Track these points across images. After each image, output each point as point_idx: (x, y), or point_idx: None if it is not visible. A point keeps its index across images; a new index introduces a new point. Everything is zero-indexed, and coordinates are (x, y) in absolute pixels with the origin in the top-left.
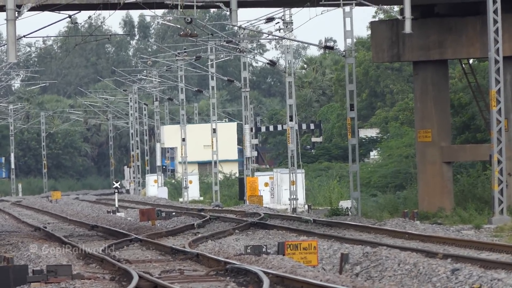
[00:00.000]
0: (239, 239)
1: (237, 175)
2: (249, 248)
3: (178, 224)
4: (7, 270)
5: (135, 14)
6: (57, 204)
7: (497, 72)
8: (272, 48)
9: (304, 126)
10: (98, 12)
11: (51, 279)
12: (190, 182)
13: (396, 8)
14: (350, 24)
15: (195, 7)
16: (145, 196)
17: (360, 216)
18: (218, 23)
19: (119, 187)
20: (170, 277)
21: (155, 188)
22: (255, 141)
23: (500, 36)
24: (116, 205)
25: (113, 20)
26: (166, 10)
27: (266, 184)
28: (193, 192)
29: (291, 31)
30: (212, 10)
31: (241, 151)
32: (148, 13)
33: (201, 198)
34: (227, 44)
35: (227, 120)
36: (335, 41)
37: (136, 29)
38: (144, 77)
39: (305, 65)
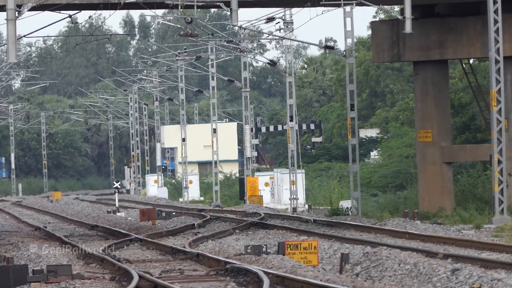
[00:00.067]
0: (239, 239)
1: (237, 175)
2: (249, 248)
3: (178, 224)
4: (7, 270)
5: (135, 14)
6: (57, 204)
7: (498, 72)
8: (273, 48)
9: (304, 126)
10: (98, 12)
11: (51, 279)
12: (190, 182)
13: (397, 8)
14: (351, 24)
15: (195, 7)
16: (145, 196)
17: (360, 216)
18: (219, 23)
19: (119, 187)
20: (170, 277)
21: (155, 188)
22: (255, 141)
23: (500, 36)
24: (117, 205)
25: (113, 20)
26: (166, 10)
27: (266, 184)
28: (193, 192)
29: (291, 31)
30: (212, 10)
31: (241, 151)
32: (148, 13)
33: (201, 198)
34: (228, 44)
35: (227, 120)
36: (335, 41)
37: (136, 29)
38: (144, 77)
39: (305, 65)
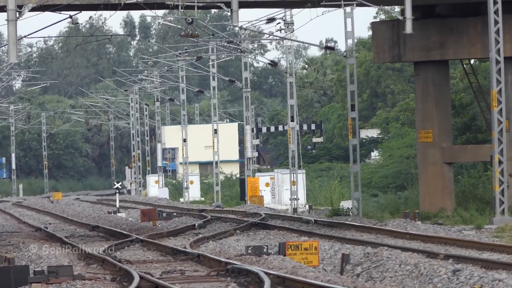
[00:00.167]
0: (240, 239)
1: (238, 175)
2: (250, 248)
3: (179, 224)
4: (8, 271)
5: (136, 14)
6: (58, 204)
7: (498, 73)
8: (273, 49)
9: (305, 127)
10: (99, 12)
11: (52, 279)
12: (191, 182)
13: (397, 8)
14: (351, 25)
15: (196, 8)
16: (146, 196)
17: (361, 217)
18: (219, 23)
19: (120, 187)
20: (171, 277)
21: (156, 188)
22: (256, 142)
23: (501, 36)
24: (117, 206)
25: (114, 21)
26: (167, 11)
27: (267, 185)
28: (194, 192)
29: (292, 32)
30: (213, 10)
31: (242, 152)
32: (149, 13)
33: (202, 199)
34: (228, 45)
35: (228, 120)
36: (336, 42)
37: (137, 30)
38: (145, 78)
39: (306, 66)
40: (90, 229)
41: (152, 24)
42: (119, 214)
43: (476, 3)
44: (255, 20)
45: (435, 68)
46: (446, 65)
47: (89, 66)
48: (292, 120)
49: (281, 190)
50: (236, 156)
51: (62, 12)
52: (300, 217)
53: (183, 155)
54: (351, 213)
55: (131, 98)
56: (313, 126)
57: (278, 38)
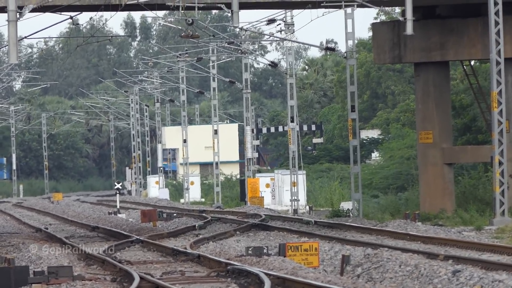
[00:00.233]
0: (240, 240)
1: (238, 176)
2: (250, 249)
3: (180, 225)
4: (8, 271)
5: (136, 15)
6: (58, 205)
7: (499, 74)
8: (273, 50)
9: (305, 127)
10: (99, 13)
11: (52, 280)
12: (192, 183)
13: (398, 9)
14: (352, 26)
15: (196, 9)
16: (147, 197)
17: (361, 218)
18: (220, 24)
19: (120, 188)
20: (171, 278)
21: (156, 189)
22: (256, 142)
23: (501, 37)
24: (118, 206)
25: (114, 21)
26: (167, 12)
27: (267, 185)
28: (194, 193)
29: (292, 33)
30: (213, 11)
31: (242, 152)
32: (149, 14)
33: (203, 200)
34: (229, 46)
35: (228, 121)
36: (336, 43)
37: (137, 31)
38: (146, 78)
39: (306, 67)
40: (90, 229)
41: (153, 25)
42: (119, 215)
43: (477, 4)
44: (256, 21)
45: (435, 69)
46: (446, 66)
47: (90, 67)
48: (292, 121)
49: (281, 191)
50: (236, 157)
51: (62, 13)
52: (300, 218)
53: (183, 155)
54: (351, 214)
55: (132, 99)
56: (313, 127)
57: (279, 39)
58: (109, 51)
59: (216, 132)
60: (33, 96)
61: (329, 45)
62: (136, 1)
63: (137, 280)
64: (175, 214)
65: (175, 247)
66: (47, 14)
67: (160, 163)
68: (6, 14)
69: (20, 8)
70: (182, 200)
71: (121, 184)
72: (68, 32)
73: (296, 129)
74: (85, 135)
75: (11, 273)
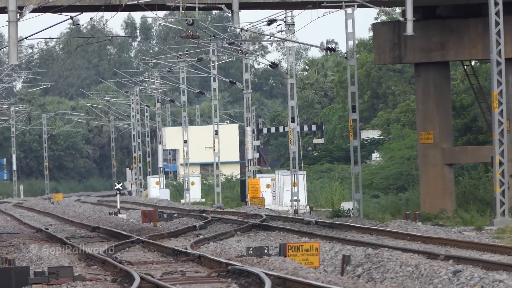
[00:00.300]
0: (241, 240)
1: (238, 176)
2: (250, 249)
3: (180, 225)
4: (9, 272)
5: (137, 15)
6: (59, 205)
7: (499, 74)
8: (274, 50)
9: (305, 128)
10: (100, 13)
11: (53, 280)
12: (192, 183)
13: (398, 10)
14: (352, 26)
15: (196, 9)
16: (147, 197)
17: (362, 218)
18: (220, 24)
19: (121, 188)
20: (172, 278)
21: (157, 189)
22: (257, 143)
23: (502, 38)
24: (118, 207)
25: (115, 22)
26: (167, 12)
27: (268, 186)
28: (195, 193)
29: (293, 33)
30: (214, 11)
31: (242, 153)
32: (149, 14)
33: (203, 200)
34: (229, 46)
35: (229, 122)
36: (336, 43)
37: (137, 31)
38: (146, 79)
39: (306, 67)
40: (90, 230)
41: (153, 25)
42: (120, 215)
43: (477, 4)
44: (256, 22)
45: (436, 69)
46: (447, 67)
47: (90, 67)
48: (293, 121)
49: (282, 191)
50: (237, 158)
51: (63, 13)
52: (301, 218)
53: (184, 156)
54: (352, 215)
55: (132, 100)
56: (313, 127)
57: (279, 39)
58: (109, 51)
59: (216, 132)
60: (33, 96)
61: (329, 46)
62: (136, 2)
63: (137, 280)
64: (175, 215)
65: (175, 248)
66: (48, 14)
67: (160, 164)
68: (6, 15)
69: (21, 8)
70: (182, 201)
71: (121, 184)
72: (68, 33)
73: (297, 129)
74: (85, 135)
75: (12, 274)
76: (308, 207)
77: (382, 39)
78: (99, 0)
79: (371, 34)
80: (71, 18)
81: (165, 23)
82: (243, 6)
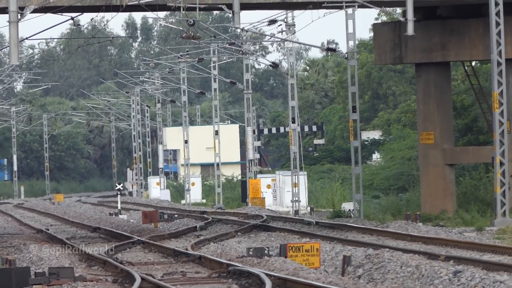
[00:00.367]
0: (242, 241)
1: (239, 177)
2: (251, 250)
3: (181, 226)
4: (9, 272)
5: (137, 16)
6: (60, 206)
7: (500, 74)
8: (274, 50)
9: (306, 128)
10: (100, 14)
11: (53, 281)
12: (193, 184)
13: (399, 10)
14: (353, 26)
15: (197, 9)
16: (148, 198)
17: (362, 218)
18: (221, 25)
19: (121, 189)
20: (173, 279)
21: (157, 190)
22: (258, 143)
23: (502, 38)
24: (119, 207)
25: (115, 22)
26: (168, 12)
27: (268, 186)
28: (195, 194)
29: (293, 33)
30: (214, 12)
31: (243, 153)
32: (150, 15)
33: (204, 201)
34: (230, 46)
35: (229, 122)
36: (337, 43)
37: (138, 31)
38: (147, 79)
39: (307, 67)
40: (91, 230)
41: (154, 25)
42: (120, 216)
43: (478, 5)
44: (257, 22)
45: (436, 69)
46: (447, 67)
47: (91, 67)
48: (293, 122)
49: (282, 192)
50: (237, 158)
51: (63, 13)
52: (301, 219)
53: (184, 156)
54: (352, 215)
55: (133, 100)
56: (314, 128)
57: (280, 39)
58: (110, 52)
59: (217, 133)
60: (34, 97)
61: (330, 46)
62: (137, 2)
63: (138, 281)
64: (176, 215)
65: (176, 248)
66: (48, 15)
67: (161, 164)
68: (7, 15)
69: (21, 9)
70: (183, 201)
71: (122, 185)
72: (69, 33)
73: (297, 130)
74: (86, 136)
75: (12, 274)
76: (308, 208)
77: (382, 40)
78: (100, 0)
79: (371, 34)
80: (72, 18)
81: (166, 24)
82: (244, 7)
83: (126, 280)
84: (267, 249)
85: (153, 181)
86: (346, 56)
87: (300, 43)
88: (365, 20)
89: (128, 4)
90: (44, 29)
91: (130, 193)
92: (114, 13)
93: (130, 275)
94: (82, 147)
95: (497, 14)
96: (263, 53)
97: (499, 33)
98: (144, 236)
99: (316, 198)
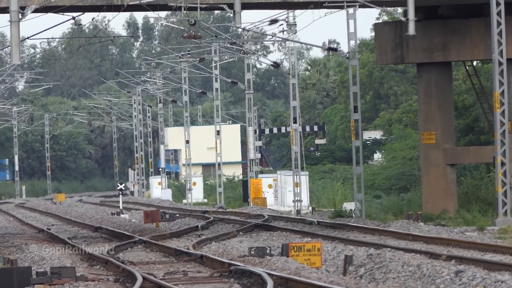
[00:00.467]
0: (243, 240)
1: (240, 177)
2: (253, 249)
3: (182, 226)
4: (11, 272)
5: (139, 16)
6: (61, 206)
7: (501, 74)
8: (276, 50)
9: (307, 128)
10: (102, 14)
11: (55, 281)
12: (194, 184)
13: (400, 10)
14: (354, 26)
15: (198, 9)
16: (149, 198)
17: (364, 218)
18: (222, 24)
19: (123, 189)
20: (174, 278)
21: (159, 190)
22: (259, 143)
23: (503, 38)
24: (120, 207)
25: (116, 22)
26: (169, 12)
27: (270, 186)
28: (197, 194)
29: (294, 33)
30: (216, 11)
31: (244, 153)
32: (151, 15)
33: (205, 200)
34: (231, 46)
35: (230, 122)
36: (338, 43)
37: (140, 31)
38: (148, 79)
39: (308, 67)
40: (93, 230)
41: (155, 25)
42: (122, 216)
43: (479, 5)
44: (258, 22)
45: (438, 69)
46: (449, 67)
47: (92, 67)
48: (295, 122)
49: (284, 191)
50: (238, 158)
51: (65, 13)
52: (303, 219)
53: (186, 156)
54: (354, 215)
55: (134, 100)
56: (315, 128)
57: (281, 39)
58: (111, 51)
59: (218, 132)
60: (35, 97)
61: (331, 46)
62: (138, 2)
63: (140, 280)
64: (177, 215)
65: (177, 248)
66: (50, 14)
67: (162, 164)
68: (8, 15)
69: (23, 8)
70: (184, 201)
71: (123, 185)
72: (70, 33)
73: (299, 129)
74: (87, 136)
75: (14, 274)
76: (310, 208)
77: (384, 39)
78: (101, 0)
79: (373, 34)
80: (73, 18)
81: (167, 23)
82: (245, 6)
83: (127, 279)
84: (268, 248)
85: (154, 181)
86: (347, 56)
87: (301, 43)
88: (366, 20)
89: (129, 3)
90: (45, 29)
91: (132, 193)
92: (115, 13)
93: (132, 275)
94: (84, 147)
95: (499, 14)
96: (265, 52)
97: (500, 33)
98: (145, 236)
99: (318, 198)
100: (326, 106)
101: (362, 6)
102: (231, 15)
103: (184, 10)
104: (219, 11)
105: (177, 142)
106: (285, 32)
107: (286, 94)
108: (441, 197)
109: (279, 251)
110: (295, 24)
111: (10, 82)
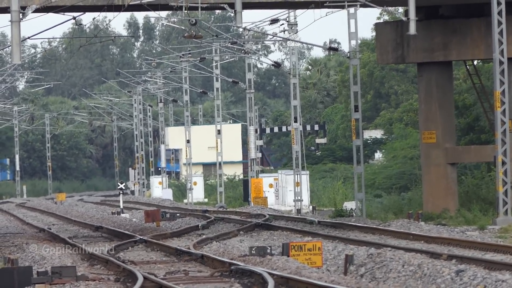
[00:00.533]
0: (244, 240)
1: (241, 176)
2: (253, 249)
3: (183, 225)
4: (12, 272)
5: (139, 15)
6: (62, 205)
7: (502, 73)
8: (277, 50)
9: (308, 127)
10: (102, 13)
11: (56, 280)
12: (195, 183)
13: (401, 9)
14: (355, 26)
15: (199, 9)
16: (150, 197)
17: (364, 217)
18: (223, 24)
19: (124, 188)
20: (175, 278)
21: (159, 189)
22: (260, 143)
23: (504, 37)
24: (121, 207)
25: (117, 22)
26: (170, 12)
27: (270, 186)
28: (197, 193)
29: (295, 33)
30: (216, 11)
31: (245, 153)
32: (152, 14)
33: (206, 200)
34: (232, 46)
35: (231, 121)
36: (339, 43)
37: (140, 31)
38: (149, 79)
39: (309, 67)
40: (93, 230)
41: (156, 25)
42: (122, 215)
43: (480, 4)
44: (259, 21)
45: (438, 69)
46: (449, 66)
47: (93, 67)
48: (296, 121)
49: (284, 191)
50: (239, 157)
51: (65, 13)
52: (303, 218)
53: (186, 156)
54: (354, 214)
55: (135, 99)
56: (316, 127)
57: (282, 39)
58: (112, 51)
59: (219, 132)
60: (36, 96)
61: (332, 45)
62: (139, 2)
63: (140, 280)
64: (178, 214)
65: (178, 247)
66: (50, 14)
67: (163, 164)
68: (9, 15)
69: (23, 8)
70: (185, 200)
71: (124, 184)
72: (71, 33)
73: (299, 129)
74: (88, 135)
75: (15, 274)
76: (311, 207)
77: (384, 39)
78: (102, 0)
79: (373, 33)
80: (74, 18)
81: (168, 23)
82: (246, 6)
83: (128, 279)
84: (269, 248)
85: (155, 180)
86: (348, 55)
87: (302, 43)
88: (367, 20)
89: (130, 3)
90: (46, 29)
91: (132, 192)
92: (116, 13)
93: (133, 274)
94: (84, 147)
95: (499, 13)
96: (265, 52)
97: (501, 32)
98: (146, 235)
99: (318, 197)
100: (326, 106)
101: (363, 5)
102: (232, 14)
103: (185, 9)
104: (220, 11)
105: (178, 142)
106: (286, 32)
107: (287, 94)
108: (442, 197)
109: (279, 250)
110: (296, 24)
111: (11, 82)
